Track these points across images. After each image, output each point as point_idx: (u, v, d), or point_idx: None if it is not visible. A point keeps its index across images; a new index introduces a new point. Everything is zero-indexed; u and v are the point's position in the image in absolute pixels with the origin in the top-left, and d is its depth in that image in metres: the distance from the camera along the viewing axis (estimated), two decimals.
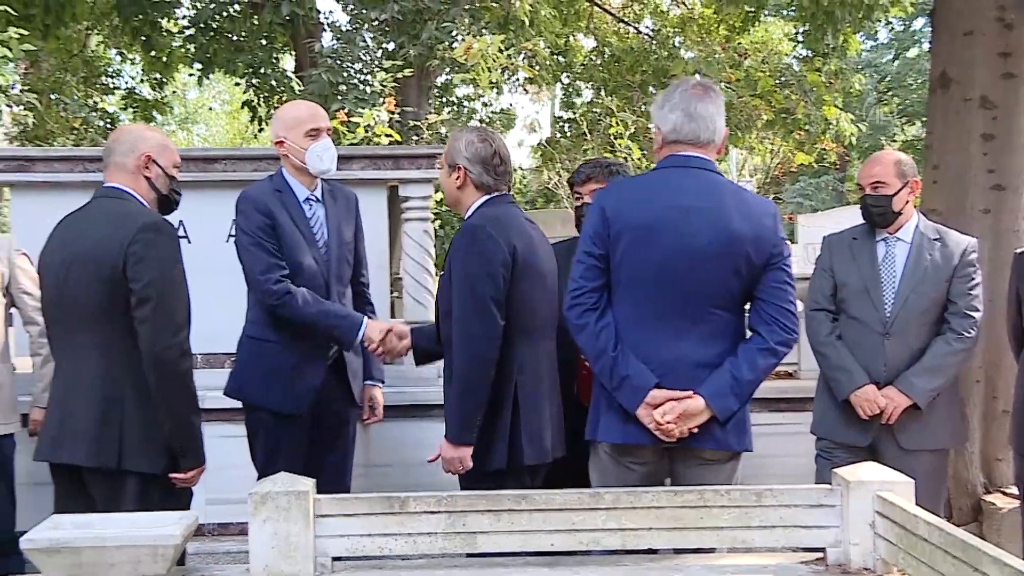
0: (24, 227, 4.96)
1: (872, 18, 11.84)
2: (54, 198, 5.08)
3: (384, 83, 7.31)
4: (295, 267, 3.79)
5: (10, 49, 6.58)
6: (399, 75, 7.36)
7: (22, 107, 8.33)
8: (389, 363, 4.06)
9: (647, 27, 16.89)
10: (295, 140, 3.83)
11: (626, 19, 16.94)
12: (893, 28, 27.41)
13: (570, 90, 17.68)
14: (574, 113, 16.82)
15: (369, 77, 8.57)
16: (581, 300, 3.15)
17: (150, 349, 3.07)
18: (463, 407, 3.35)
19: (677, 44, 15.45)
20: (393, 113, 7.09)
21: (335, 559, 2.62)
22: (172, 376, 3.11)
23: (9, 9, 8.17)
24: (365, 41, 8.23)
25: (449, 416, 3.41)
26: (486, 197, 3.56)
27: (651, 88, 14.73)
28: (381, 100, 7.60)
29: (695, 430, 3.07)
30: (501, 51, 7.71)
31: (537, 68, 8.71)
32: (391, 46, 9.12)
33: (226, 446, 4.15)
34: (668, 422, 3.03)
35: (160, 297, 3.08)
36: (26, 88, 8.87)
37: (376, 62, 8.99)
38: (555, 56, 15.85)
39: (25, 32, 7.82)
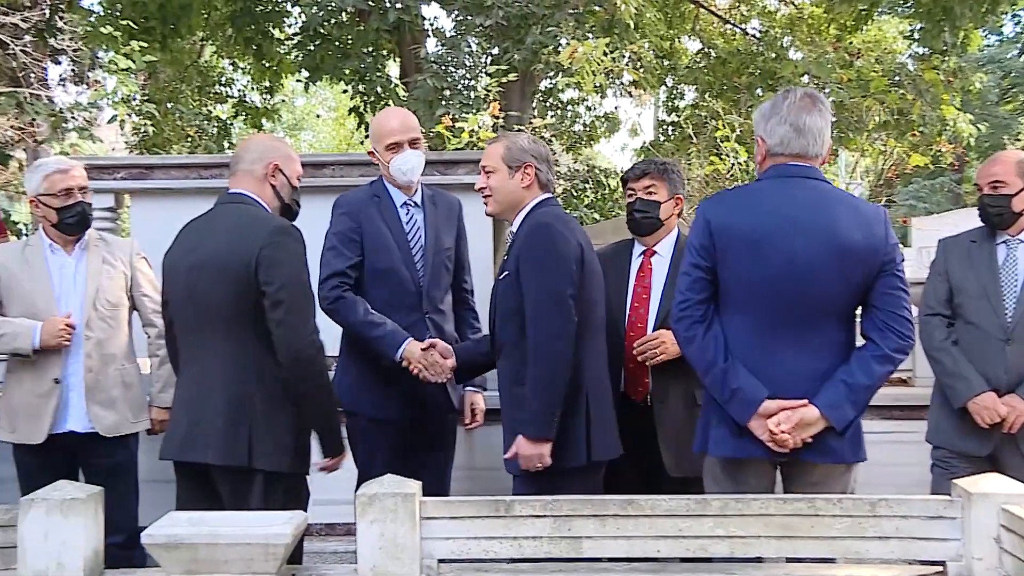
0: (143, 232, 5.11)
1: (997, 12, 11.41)
2: (171, 204, 5.24)
3: (488, 88, 7.34)
4: (384, 272, 3.86)
5: (133, 61, 6.84)
6: (503, 80, 7.39)
7: (141, 116, 8.65)
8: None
9: (754, 28, 16.61)
10: (380, 152, 3.95)
11: (732, 20, 16.69)
12: (1021, 21, 26.34)
13: (674, 93, 17.50)
14: (678, 116, 16.64)
15: (474, 82, 8.63)
16: (688, 312, 3.11)
17: (288, 349, 3.14)
18: (543, 402, 3.32)
19: (785, 45, 15.14)
20: (497, 118, 7.12)
21: (440, 561, 2.64)
22: (311, 373, 3.20)
23: (132, 23, 8.52)
24: (470, 46, 8.29)
25: (529, 415, 3.35)
26: (542, 197, 3.60)
27: (758, 90, 14.48)
28: (485, 105, 7.64)
29: (809, 440, 3.00)
30: (606, 54, 7.67)
31: (642, 71, 8.61)
32: (495, 51, 9.17)
33: None
34: (783, 432, 2.97)
35: (293, 299, 3.16)
36: (145, 99, 9.20)
37: (480, 67, 9.05)
38: (660, 59, 15.71)
39: (145, 44, 8.12)
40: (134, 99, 8.45)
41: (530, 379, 3.36)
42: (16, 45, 17.23)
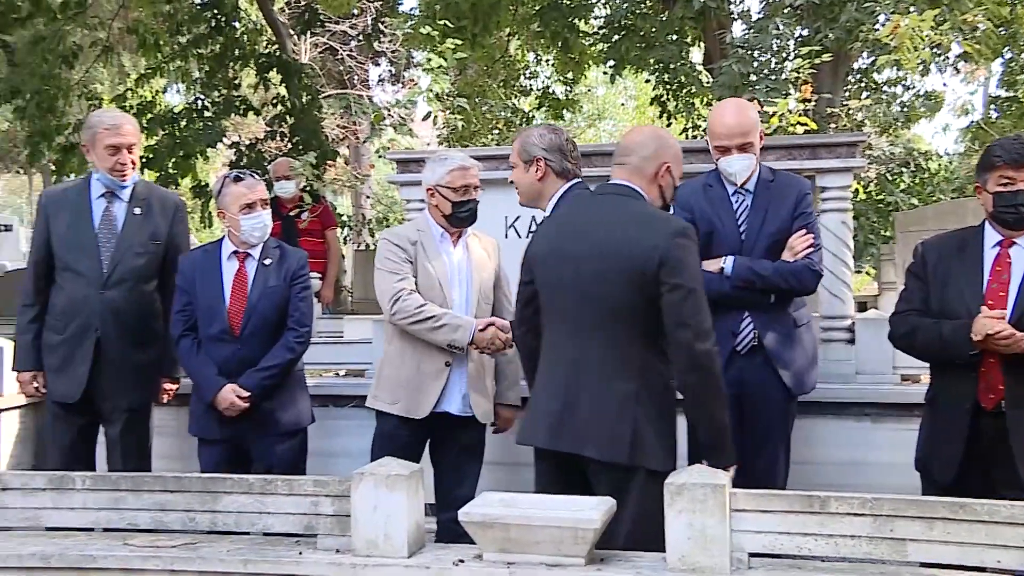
0: None
1: None
2: (482, 195, 5.44)
3: (799, 70, 7.07)
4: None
5: (446, 59, 7.20)
6: (815, 61, 7.08)
7: (452, 112, 9.10)
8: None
9: None
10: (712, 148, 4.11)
11: None
12: None
13: (1012, 66, 16.03)
14: (1015, 91, 15.26)
15: (780, 65, 8.35)
16: None
17: (691, 351, 3.09)
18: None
19: None
20: (808, 101, 6.84)
21: (752, 555, 2.58)
22: (710, 377, 3.12)
23: (448, 23, 8.99)
24: (778, 28, 8.02)
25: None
26: (568, 184, 3.74)
27: None
28: (793, 88, 7.38)
29: None
30: (933, 28, 7.14)
31: (977, 43, 7.92)
32: (806, 32, 8.83)
33: None
34: None
35: (698, 301, 3.12)
36: (456, 94, 9.67)
37: (788, 50, 8.76)
38: (997, 28, 14.41)
39: (459, 42, 8.51)
40: (447, 95, 8.88)
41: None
42: (343, 50, 18.62)
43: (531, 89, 16.66)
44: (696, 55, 13.15)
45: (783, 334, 3.95)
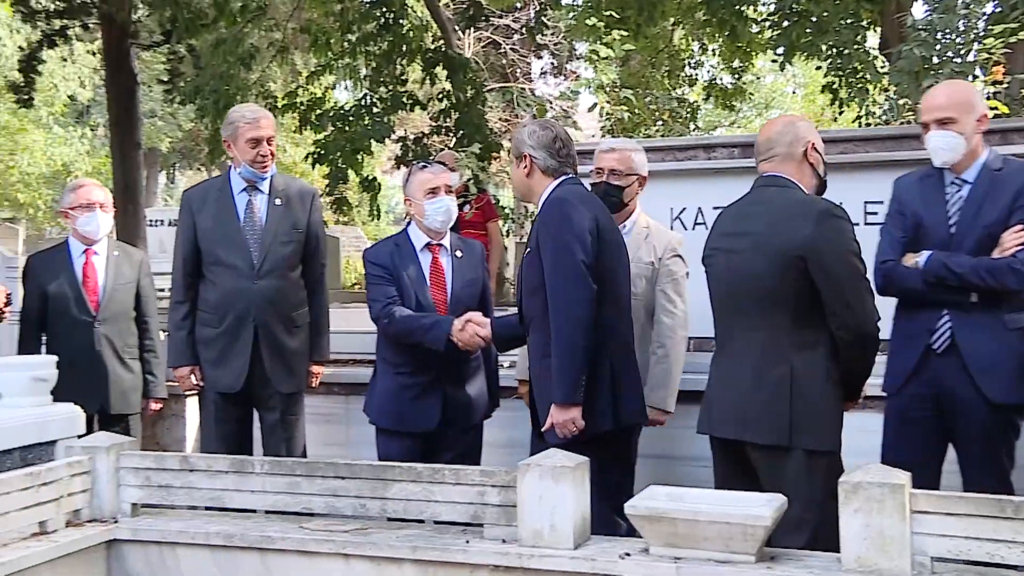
0: None
1: None
2: (647, 186, 5.39)
3: (991, 50, 6.65)
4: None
5: (612, 50, 7.15)
6: (1009, 40, 6.64)
7: (617, 103, 9.04)
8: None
9: None
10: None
11: None
12: None
13: None
14: None
15: (970, 46, 7.89)
16: None
17: (851, 328, 3.26)
18: (567, 368, 3.47)
19: None
20: (1000, 83, 6.45)
21: (935, 559, 2.46)
22: (872, 351, 3.37)
23: (612, 13, 8.93)
24: (967, 6, 7.57)
25: (555, 381, 3.49)
26: (556, 181, 3.76)
27: None
28: (981, 71, 6.97)
29: None
30: None
31: None
32: (999, 9, 8.31)
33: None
34: None
35: (851, 279, 3.26)
36: (621, 85, 9.59)
37: (978, 29, 8.27)
38: None
39: (625, 33, 8.45)
40: (612, 86, 8.82)
41: (554, 347, 3.52)
42: (506, 44, 18.81)
43: (697, 79, 16.39)
44: (872, 40, 12.63)
45: (986, 337, 3.62)
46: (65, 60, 21.46)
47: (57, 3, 14.23)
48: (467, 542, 2.94)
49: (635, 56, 13.75)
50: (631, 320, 3.83)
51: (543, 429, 3.59)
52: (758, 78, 25.62)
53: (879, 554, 2.47)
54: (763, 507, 2.63)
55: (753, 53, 13.90)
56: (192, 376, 4.57)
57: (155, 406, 5.05)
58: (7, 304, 4.64)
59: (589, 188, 4.09)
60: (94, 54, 20.62)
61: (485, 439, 4.35)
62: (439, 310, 4.17)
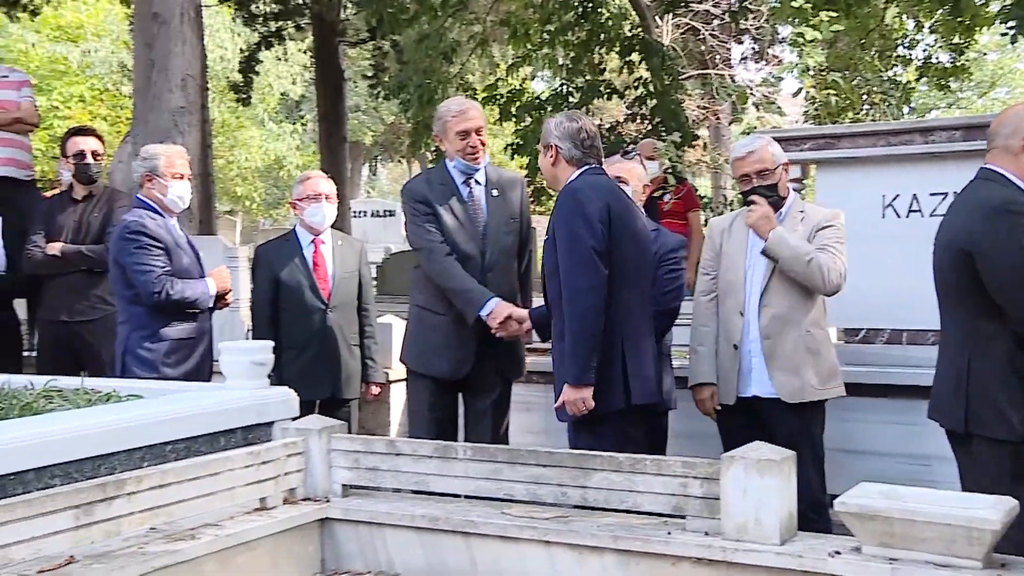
0: (827, 202, 5.13)
1: None
2: (855, 172, 5.18)
3: None
4: None
5: (819, 32, 6.88)
6: None
7: (823, 86, 8.68)
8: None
9: None
10: None
11: None
12: None
13: None
14: None
15: None
16: None
17: (1016, 320, 3.22)
18: (578, 351, 3.70)
19: None
20: None
21: None
22: None
23: None
24: None
25: (567, 363, 3.73)
26: (579, 171, 3.92)
27: None
28: None
29: None
30: None
31: None
32: None
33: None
34: None
35: (1011, 272, 3.20)
36: (827, 68, 9.22)
37: None
38: None
39: (834, 13, 8.14)
40: (817, 70, 8.50)
41: (567, 330, 3.74)
42: (705, 30, 18.46)
43: (911, 58, 15.58)
44: None
45: None
46: (279, 59, 22.58)
47: (274, 6, 14.99)
48: (668, 533, 2.90)
49: (843, 38, 13.22)
50: (649, 304, 4.01)
51: (555, 406, 3.85)
52: (984, 54, 24.11)
53: None
54: (990, 509, 2.48)
55: (976, 28, 13.05)
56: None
57: (375, 391, 5.22)
58: (229, 291, 4.92)
59: (744, 197, 4.20)
60: (305, 52, 21.60)
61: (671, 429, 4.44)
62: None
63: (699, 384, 4.28)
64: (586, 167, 3.96)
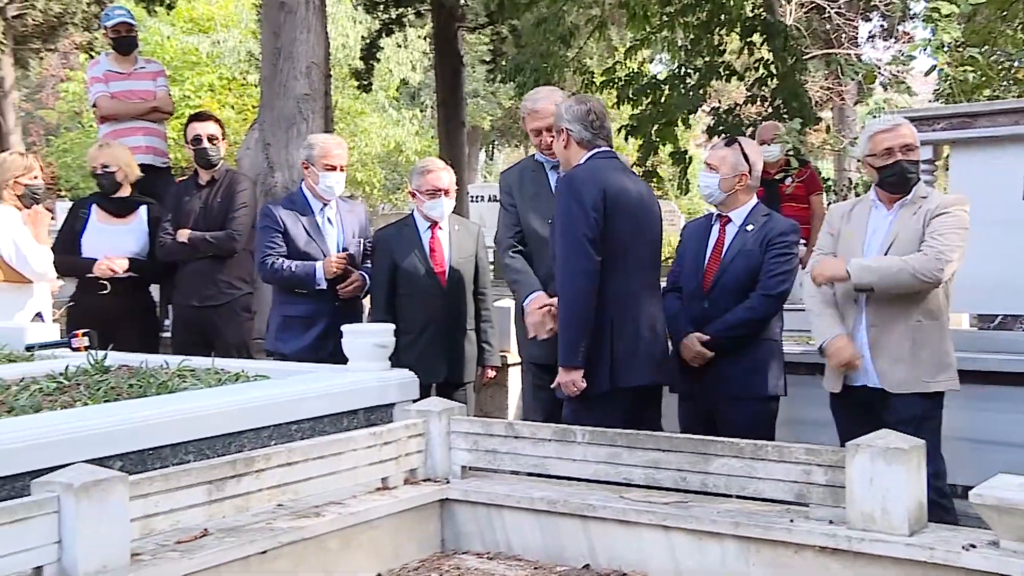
0: (963, 183, 4.94)
1: None
2: (993, 153, 4.97)
3: None
4: None
5: (957, 6, 6.58)
6: None
7: (960, 63, 8.28)
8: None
9: None
10: None
11: None
12: None
13: None
14: None
15: None
16: None
17: None
18: (568, 333, 3.86)
19: None
20: None
21: None
22: None
23: None
24: None
25: (559, 345, 3.89)
26: (589, 153, 3.99)
27: None
28: None
29: None
30: None
31: None
32: None
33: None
34: None
35: None
36: (964, 44, 8.79)
37: None
38: None
39: None
40: (952, 46, 8.11)
41: (559, 313, 3.94)
42: (831, 8, 17.96)
43: None
44: None
45: None
46: (399, 46, 22.87)
47: None
48: (791, 521, 2.84)
49: (982, 10, 12.65)
50: (649, 286, 4.07)
51: (552, 386, 4.00)
52: None
53: None
54: None
55: None
56: None
57: (491, 374, 5.27)
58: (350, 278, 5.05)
59: (885, 174, 3.97)
60: (424, 39, 21.84)
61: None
62: (708, 276, 4.32)
63: (832, 338, 4.08)
64: (595, 150, 4.03)
